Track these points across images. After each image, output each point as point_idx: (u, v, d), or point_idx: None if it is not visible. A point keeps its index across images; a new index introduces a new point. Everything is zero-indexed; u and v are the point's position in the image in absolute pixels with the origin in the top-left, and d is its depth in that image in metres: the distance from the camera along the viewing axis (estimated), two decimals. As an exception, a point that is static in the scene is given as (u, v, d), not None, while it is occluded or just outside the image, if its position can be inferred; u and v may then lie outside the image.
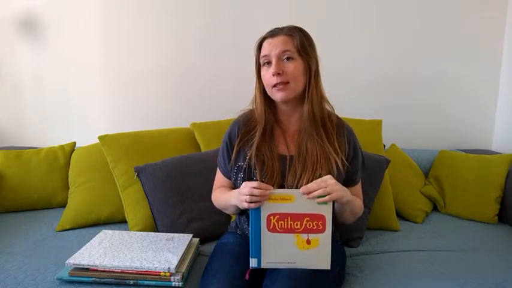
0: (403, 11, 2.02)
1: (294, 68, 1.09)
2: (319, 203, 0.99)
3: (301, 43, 1.10)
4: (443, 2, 2.00)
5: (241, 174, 1.15)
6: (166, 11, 2.02)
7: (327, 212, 1.00)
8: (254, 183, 1.00)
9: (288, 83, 1.09)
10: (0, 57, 2.06)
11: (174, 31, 2.04)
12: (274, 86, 1.10)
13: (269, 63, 1.11)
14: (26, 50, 2.05)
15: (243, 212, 1.21)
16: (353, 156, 1.17)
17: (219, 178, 1.28)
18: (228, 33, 2.03)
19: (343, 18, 2.03)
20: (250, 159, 1.13)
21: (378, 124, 1.78)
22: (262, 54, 1.12)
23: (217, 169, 1.29)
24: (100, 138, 1.64)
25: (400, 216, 1.67)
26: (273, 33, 1.12)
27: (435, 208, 1.79)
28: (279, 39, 1.10)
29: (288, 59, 1.10)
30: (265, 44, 1.12)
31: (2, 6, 2.01)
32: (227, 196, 1.17)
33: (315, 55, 1.14)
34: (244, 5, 2.01)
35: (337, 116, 1.20)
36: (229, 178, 1.23)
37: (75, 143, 1.91)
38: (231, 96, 2.03)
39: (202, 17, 2.02)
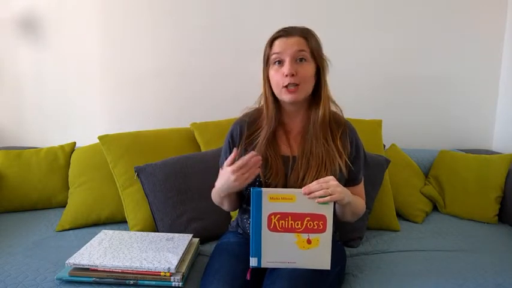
0: (403, 12, 2.02)
1: (307, 70, 1.09)
2: (320, 203, 0.99)
3: (315, 46, 1.10)
4: (443, 2, 2.00)
5: None
6: (166, 11, 2.02)
7: (328, 212, 1.00)
8: (237, 165, 1.01)
9: (299, 85, 1.08)
10: (0, 57, 2.06)
11: (174, 31, 2.03)
12: (285, 86, 1.08)
13: (280, 62, 1.09)
14: (26, 50, 2.05)
15: (245, 211, 1.21)
16: (355, 155, 1.17)
17: None
18: (228, 33, 2.03)
19: (343, 18, 2.03)
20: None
21: (378, 124, 1.78)
22: (274, 51, 1.10)
23: (220, 170, 1.28)
24: (100, 138, 1.64)
25: (400, 216, 1.67)
26: (287, 33, 1.10)
27: (435, 208, 1.79)
28: (293, 40, 1.08)
29: (301, 60, 1.09)
30: (278, 42, 1.10)
31: (2, 6, 2.01)
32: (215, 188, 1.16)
33: (324, 58, 1.14)
34: (244, 5, 2.01)
35: (343, 118, 1.20)
36: None
37: (75, 143, 1.91)
38: (231, 96, 2.03)
39: (202, 17, 2.02)
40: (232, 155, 1.05)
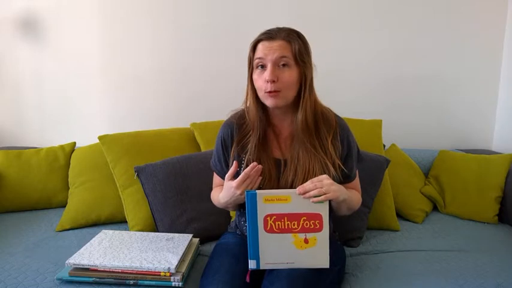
0: (403, 11, 2.02)
1: (289, 76, 1.06)
2: (315, 202, 0.99)
3: (299, 50, 1.06)
4: (443, 3, 2.00)
5: None
6: (166, 10, 2.02)
7: (324, 210, 1.00)
8: (239, 180, 1.03)
9: (280, 91, 1.06)
10: (0, 57, 2.06)
11: (174, 31, 2.04)
12: (267, 92, 1.07)
13: (263, 66, 1.08)
14: (26, 50, 2.05)
15: (243, 214, 1.21)
16: (347, 153, 1.16)
17: (217, 180, 1.28)
18: (228, 33, 2.03)
19: (343, 18, 2.03)
20: (247, 165, 1.11)
21: (378, 124, 1.78)
22: (256, 56, 1.09)
23: (214, 173, 1.28)
24: (100, 138, 1.64)
25: (400, 216, 1.67)
26: (270, 36, 1.07)
27: (435, 208, 1.79)
28: (276, 44, 1.05)
29: (283, 65, 1.06)
30: (261, 46, 1.08)
31: (2, 6, 2.01)
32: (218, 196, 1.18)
33: (310, 63, 1.11)
34: (244, 5, 2.01)
35: (334, 115, 1.18)
36: None
37: (75, 143, 1.91)
38: (231, 96, 1.99)
39: (202, 16, 2.02)
40: (233, 168, 1.06)
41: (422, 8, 2.01)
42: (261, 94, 1.10)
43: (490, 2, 1.99)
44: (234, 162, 1.07)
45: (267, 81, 1.05)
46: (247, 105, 1.17)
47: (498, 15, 2.01)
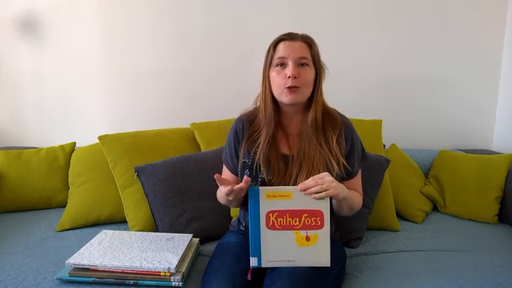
0: (404, 12, 2.02)
1: (309, 75, 1.13)
2: (316, 199, 0.99)
3: (316, 53, 1.15)
4: (443, 3, 2.00)
5: (247, 171, 1.17)
6: (167, 10, 2.02)
7: (325, 207, 1.01)
8: (226, 190, 1.03)
9: (299, 87, 1.11)
10: (0, 57, 2.06)
11: (174, 31, 2.04)
12: (287, 87, 1.11)
13: (283, 64, 1.13)
14: (26, 50, 2.05)
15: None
16: (349, 150, 1.20)
17: (226, 175, 1.29)
18: (228, 33, 2.03)
19: (344, 19, 2.03)
20: (257, 159, 1.15)
21: (378, 124, 1.78)
22: (278, 55, 1.13)
23: (224, 167, 1.30)
24: (100, 138, 1.64)
25: (400, 216, 1.67)
26: (292, 37, 1.14)
27: (435, 208, 1.79)
28: (297, 44, 1.13)
29: (303, 65, 1.12)
30: (282, 46, 1.13)
31: (2, 6, 2.01)
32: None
33: (323, 66, 1.18)
34: (244, 5, 2.01)
35: (339, 114, 1.22)
36: (237, 175, 1.24)
37: (75, 143, 1.91)
38: (231, 96, 2.03)
39: (202, 16, 2.02)
40: (241, 185, 1.03)
41: (422, 8, 2.00)
42: (278, 91, 1.14)
43: (490, 2, 1.99)
44: (245, 178, 1.04)
45: (289, 77, 1.09)
46: (261, 103, 1.19)
47: (498, 15, 2.01)
